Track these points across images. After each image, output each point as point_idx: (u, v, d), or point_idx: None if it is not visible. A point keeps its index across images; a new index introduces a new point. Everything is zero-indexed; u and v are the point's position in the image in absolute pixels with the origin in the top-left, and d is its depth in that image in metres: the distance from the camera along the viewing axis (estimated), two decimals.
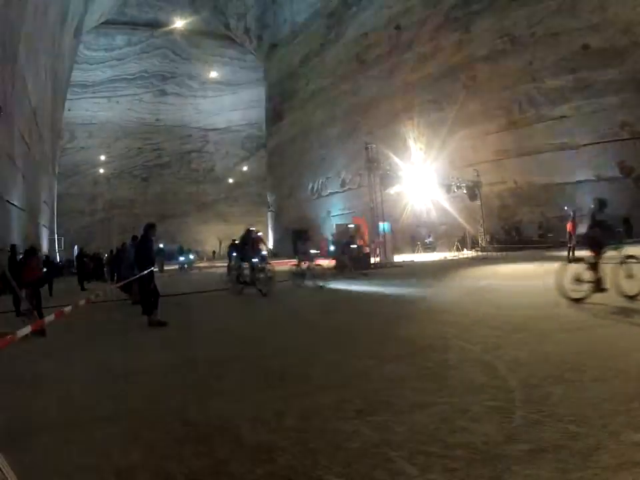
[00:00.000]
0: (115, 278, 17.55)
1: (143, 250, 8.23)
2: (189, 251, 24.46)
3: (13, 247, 12.61)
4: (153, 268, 8.20)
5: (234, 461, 2.59)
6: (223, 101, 71.00)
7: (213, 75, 68.89)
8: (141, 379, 4.50)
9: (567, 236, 16.36)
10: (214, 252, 61.25)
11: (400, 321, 6.92)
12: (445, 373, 3.96)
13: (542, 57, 28.41)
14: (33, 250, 10.38)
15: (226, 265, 20.37)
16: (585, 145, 26.60)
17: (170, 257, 31.24)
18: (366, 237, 22.72)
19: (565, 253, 16.01)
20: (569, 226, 16.42)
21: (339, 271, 16.83)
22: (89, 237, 56.00)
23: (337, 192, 44.62)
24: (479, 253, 24.55)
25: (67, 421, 3.41)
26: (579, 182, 26.72)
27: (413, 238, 32.64)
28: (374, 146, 21.55)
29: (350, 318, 7.59)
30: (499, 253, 23.09)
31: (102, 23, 54.88)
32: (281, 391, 3.82)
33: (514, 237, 27.48)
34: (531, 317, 6.16)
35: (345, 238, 19.01)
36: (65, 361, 5.70)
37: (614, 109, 25.44)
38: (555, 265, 7.78)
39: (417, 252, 31.13)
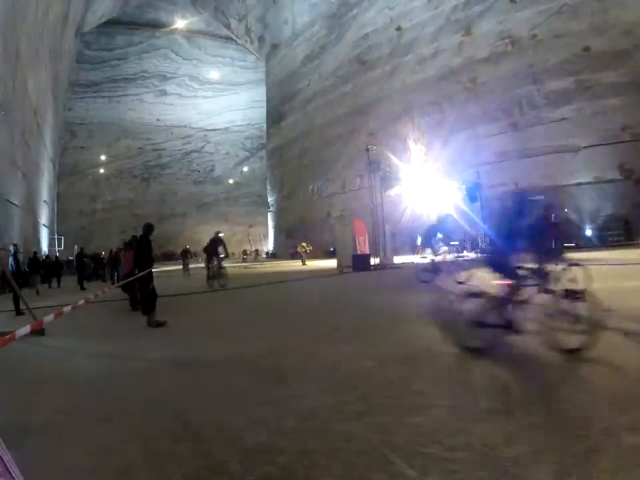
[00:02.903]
0: (116, 278, 17.59)
1: (141, 250, 8.21)
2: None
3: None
4: (151, 269, 8.19)
5: (232, 461, 2.59)
6: (224, 101, 71.12)
7: (214, 75, 69.01)
8: (140, 379, 4.50)
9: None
10: None
11: (398, 322, 6.90)
12: (444, 375, 3.95)
13: (543, 59, 28.44)
14: (130, 244, 11.15)
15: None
16: (585, 147, 26.61)
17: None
18: (365, 239, 22.68)
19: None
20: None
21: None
22: (88, 237, 56.02)
23: (337, 193, 44.61)
24: (479, 255, 24.50)
25: (66, 421, 3.40)
26: (580, 184, 26.74)
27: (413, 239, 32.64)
28: (374, 147, 21.59)
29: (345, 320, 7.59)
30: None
31: (103, 23, 54.95)
32: (281, 391, 3.82)
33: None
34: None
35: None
36: (64, 360, 5.69)
37: (615, 111, 25.46)
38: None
39: (417, 254, 31.13)
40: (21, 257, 15.10)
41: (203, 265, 19.15)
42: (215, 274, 14.27)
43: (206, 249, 14.67)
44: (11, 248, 12.95)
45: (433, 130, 32.82)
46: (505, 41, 30.51)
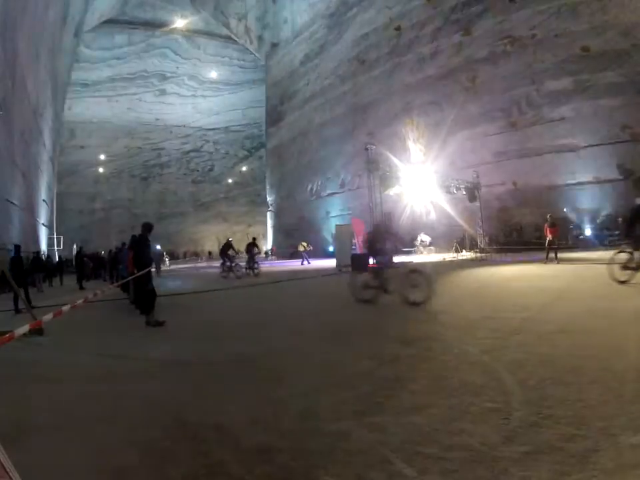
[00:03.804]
0: (115, 277, 17.58)
1: (140, 250, 8.21)
2: None
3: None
4: (150, 268, 8.18)
5: (231, 461, 2.59)
6: (223, 100, 71.05)
7: (213, 74, 68.93)
8: (139, 378, 4.50)
9: (547, 239, 16.77)
10: (209, 252, 61.50)
11: (397, 321, 6.91)
12: (443, 374, 3.96)
13: (542, 58, 28.44)
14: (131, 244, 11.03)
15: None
16: (584, 147, 26.63)
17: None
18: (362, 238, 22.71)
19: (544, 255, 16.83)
20: (550, 230, 16.64)
21: None
22: (88, 236, 56.00)
23: (336, 193, 44.59)
24: (478, 254, 24.55)
25: (65, 420, 3.40)
26: (579, 184, 26.76)
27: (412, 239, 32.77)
28: (373, 147, 21.53)
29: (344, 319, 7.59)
30: (497, 254, 23.10)
31: (102, 22, 54.83)
32: (279, 390, 3.82)
33: (514, 238, 27.50)
34: (529, 318, 6.16)
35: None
36: (62, 360, 5.69)
37: (614, 111, 25.47)
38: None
39: (416, 253, 31.19)
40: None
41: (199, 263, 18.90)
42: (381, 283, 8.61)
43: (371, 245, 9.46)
44: (12, 247, 13.01)
45: (432, 129, 32.80)
46: (504, 41, 30.50)
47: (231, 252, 19.87)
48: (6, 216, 21.58)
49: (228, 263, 19.51)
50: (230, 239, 21.11)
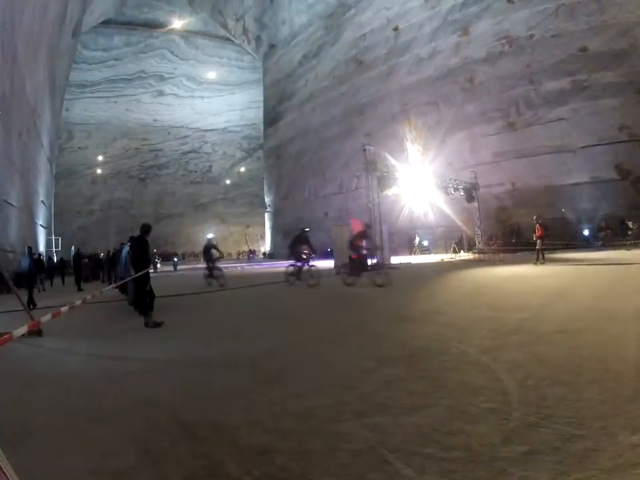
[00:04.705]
0: (113, 278, 17.55)
1: (139, 251, 8.19)
2: None
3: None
4: (148, 269, 8.17)
5: (230, 462, 2.58)
6: (221, 101, 71.08)
7: (211, 75, 68.97)
8: (138, 379, 4.48)
9: (536, 239, 17.01)
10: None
11: (396, 322, 6.91)
12: (441, 375, 3.95)
13: (540, 59, 28.51)
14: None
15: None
16: (582, 147, 26.69)
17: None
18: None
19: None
20: (538, 230, 16.84)
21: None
22: (86, 237, 55.98)
23: (334, 193, 44.63)
24: (476, 255, 24.57)
25: (64, 421, 3.39)
26: (577, 184, 26.81)
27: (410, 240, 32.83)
28: (372, 147, 21.53)
29: (345, 318, 7.58)
30: (495, 255, 23.11)
31: (101, 23, 54.88)
32: (279, 391, 3.81)
33: (512, 238, 27.54)
34: (527, 318, 6.16)
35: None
36: (61, 361, 5.67)
37: (612, 111, 25.54)
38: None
39: (414, 254, 31.21)
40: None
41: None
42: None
43: None
44: (26, 249, 13.43)
45: (430, 130, 32.87)
46: (502, 41, 30.57)
47: (305, 248, 14.05)
48: (3, 217, 21.53)
49: (299, 264, 14.06)
50: (306, 229, 15.14)
